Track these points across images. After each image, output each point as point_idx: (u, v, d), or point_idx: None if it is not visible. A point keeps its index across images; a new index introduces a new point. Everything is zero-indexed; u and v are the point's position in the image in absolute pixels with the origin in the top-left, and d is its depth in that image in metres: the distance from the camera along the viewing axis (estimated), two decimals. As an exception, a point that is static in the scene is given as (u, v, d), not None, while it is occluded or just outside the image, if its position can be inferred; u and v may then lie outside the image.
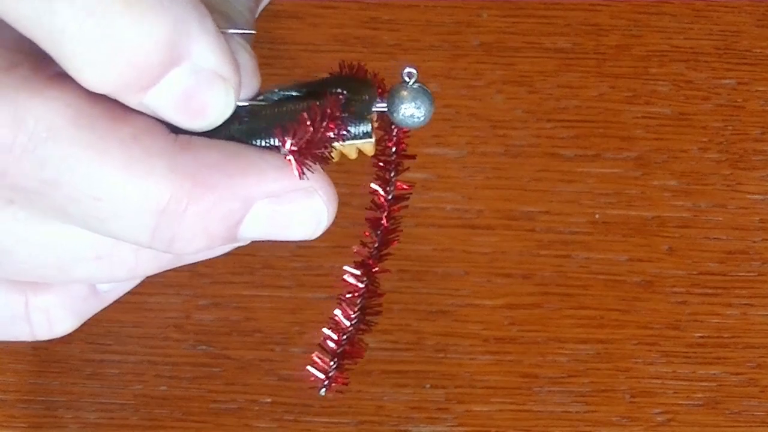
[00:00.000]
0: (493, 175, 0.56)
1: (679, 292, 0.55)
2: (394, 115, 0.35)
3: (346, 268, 0.37)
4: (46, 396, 0.53)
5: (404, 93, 0.35)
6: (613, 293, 0.55)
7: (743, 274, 0.55)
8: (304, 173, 0.33)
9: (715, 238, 0.56)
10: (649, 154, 0.57)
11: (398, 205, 0.37)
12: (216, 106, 0.33)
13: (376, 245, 0.37)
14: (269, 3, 0.57)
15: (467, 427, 0.53)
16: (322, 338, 0.36)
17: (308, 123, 0.33)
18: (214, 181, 0.32)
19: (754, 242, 0.56)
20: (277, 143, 0.34)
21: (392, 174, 0.37)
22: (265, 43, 0.57)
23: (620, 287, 0.55)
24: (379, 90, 0.35)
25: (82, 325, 0.54)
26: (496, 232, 0.55)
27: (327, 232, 0.55)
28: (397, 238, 0.37)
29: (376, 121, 0.35)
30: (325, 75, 0.35)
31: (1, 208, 0.33)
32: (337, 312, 0.36)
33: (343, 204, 0.55)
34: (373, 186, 0.37)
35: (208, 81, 0.32)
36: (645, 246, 0.55)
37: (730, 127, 0.57)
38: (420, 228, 0.55)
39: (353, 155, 0.35)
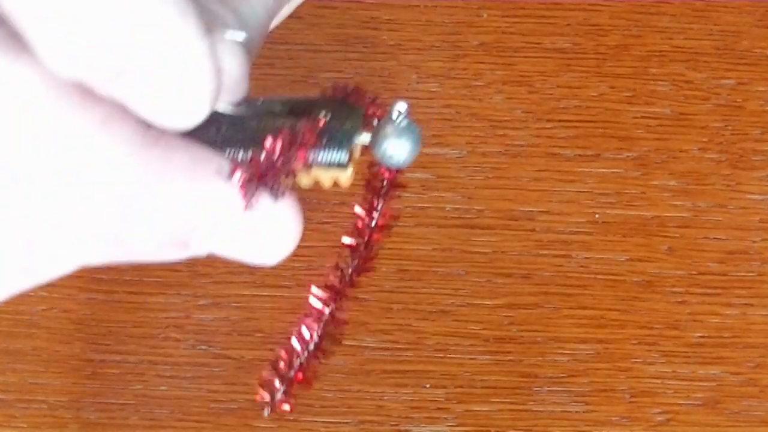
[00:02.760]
0: (493, 175, 0.56)
1: (679, 292, 0.55)
2: (375, 151, 0.32)
3: (313, 289, 0.35)
4: (46, 396, 0.53)
5: (389, 130, 0.32)
6: (613, 293, 0.55)
7: (743, 274, 0.55)
8: (249, 205, 0.31)
9: (715, 238, 0.56)
10: (649, 154, 0.57)
11: (379, 234, 0.34)
12: (189, 104, 0.31)
13: (350, 270, 0.35)
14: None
15: (467, 427, 0.53)
16: (275, 357, 0.34)
17: (269, 150, 0.30)
18: (172, 181, 0.31)
19: (754, 242, 0.56)
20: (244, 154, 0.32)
21: (379, 202, 0.34)
22: (266, 43, 0.57)
23: (620, 287, 0.55)
24: (370, 117, 0.32)
25: (82, 325, 0.54)
26: (496, 232, 0.56)
27: (327, 232, 0.55)
28: (372, 267, 0.35)
29: (360, 151, 0.32)
30: (317, 95, 0.33)
31: None
32: (300, 335, 0.34)
33: (342, 204, 0.56)
34: (357, 210, 0.34)
35: (182, 77, 0.30)
36: (645, 246, 0.55)
37: (730, 127, 0.57)
38: (420, 228, 0.55)
39: (327, 184, 0.33)
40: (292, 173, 0.31)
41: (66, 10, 0.29)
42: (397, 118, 0.32)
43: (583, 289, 0.55)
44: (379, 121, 0.32)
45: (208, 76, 0.31)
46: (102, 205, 0.32)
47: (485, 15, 0.59)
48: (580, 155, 0.57)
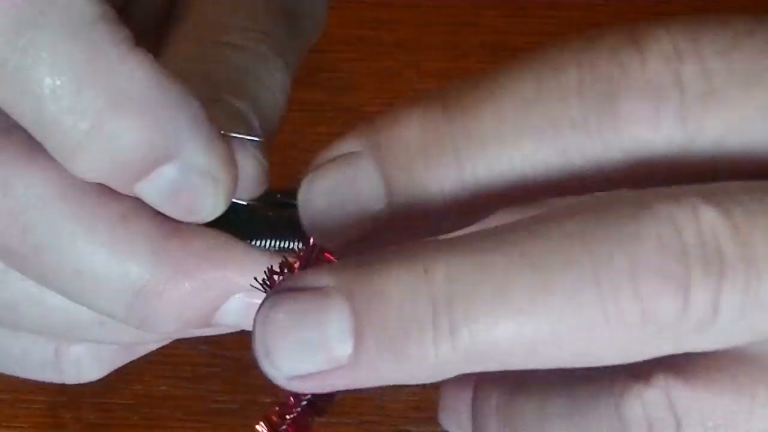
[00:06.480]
0: (493, 175, 0.56)
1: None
2: None
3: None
4: (46, 396, 0.53)
5: None
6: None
7: (743, 274, 0.55)
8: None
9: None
10: (649, 154, 0.57)
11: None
12: (205, 204, 0.33)
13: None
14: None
15: (467, 427, 0.53)
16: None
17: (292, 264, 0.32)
18: (194, 269, 0.33)
19: (754, 242, 0.56)
20: (265, 244, 0.34)
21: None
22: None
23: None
24: None
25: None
26: (496, 232, 0.55)
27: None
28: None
29: None
30: None
31: (8, 270, 0.34)
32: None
33: (343, 204, 0.55)
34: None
35: (198, 180, 0.32)
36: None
37: (730, 127, 0.57)
38: (420, 228, 0.55)
39: None
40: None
41: (100, 128, 0.31)
42: None
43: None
44: None
45: (227, 175, 0.33)
46: (125, 296, 0.33)
47: (485, 15, 0.59)
48: (580, 155, 0.57)
